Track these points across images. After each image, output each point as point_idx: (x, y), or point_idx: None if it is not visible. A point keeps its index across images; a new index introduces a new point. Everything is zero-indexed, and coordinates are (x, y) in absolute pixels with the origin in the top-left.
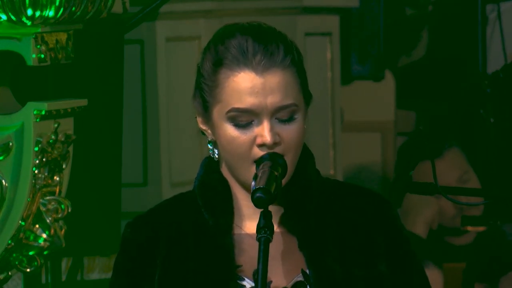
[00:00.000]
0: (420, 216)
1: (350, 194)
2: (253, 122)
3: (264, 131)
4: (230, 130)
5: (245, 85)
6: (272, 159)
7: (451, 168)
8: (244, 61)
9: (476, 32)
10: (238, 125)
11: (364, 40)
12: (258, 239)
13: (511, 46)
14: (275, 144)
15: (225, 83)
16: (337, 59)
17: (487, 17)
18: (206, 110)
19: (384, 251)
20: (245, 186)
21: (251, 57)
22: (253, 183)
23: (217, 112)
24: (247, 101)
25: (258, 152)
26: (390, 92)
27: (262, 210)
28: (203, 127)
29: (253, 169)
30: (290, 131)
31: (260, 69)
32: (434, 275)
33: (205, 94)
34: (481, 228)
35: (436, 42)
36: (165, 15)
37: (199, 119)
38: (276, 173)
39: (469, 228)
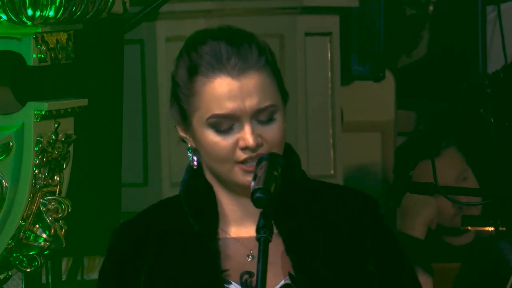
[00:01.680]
0: (419, 216)
1: (337, 194)
2: (233, 126)
3: (246, 135)
4: (211, 136)
5: (222, 90)
6: (271, 159)
7: (449, 167)
8: (218, 67)
9: (476, 32)
10: (219, 131)
11: (364, 40)
12: (258, 239)
13: (511, 46)
14: (258, 146)
15: (202, 90)
16: (337, 59)
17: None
18: (185, 118)
19: (372, 251)
20: (229, 188)
21: (225, 61)
22: (252, 183)
23: (197, 120)
24: (226, 106)
25: (241, 155)
26: (390, 92)
27: (261, 211)
28: (183, 135)
29: (236, 169)
30: (271, 131)
31: (235, 73)
32: (423, 279)
33: (182, 103)
34: (481, 228)
35: (436, 42)
36: (165, 15)
37: (178, 128)
38: (275, 173)
39: (469, 228)
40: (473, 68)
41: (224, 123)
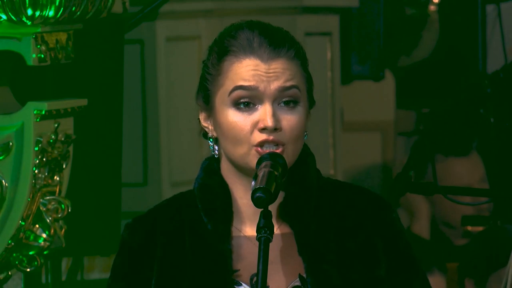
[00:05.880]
0: (420, 212)
1: (351, 195)
2: (255, 107)
3: (265, 115)
4: (232, 115)
5: (249, 68)
6: (272, 159)
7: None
8: (250, 50)
9: (476, 32)
10: (240, 109)
11: (364, 40)
12: (258, 239)
13: (511, 46)
14: (275, 129)
15: (229, 69)
16: (337, 59)
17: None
18: (208, 101)
19: (384, 255)
20: (245, 171)
21: (257, 46)
22: (253, 183)
23: (220, 98)
24: (251, 80)
25: (258, 137)
26: (390, 92)
27: (262, 210)
28: (204, 124)
29: (252, 152)
30: (290, 119)
31: (265, 57)
32: (436, 279)
33: (207, 83)
34: (481, 228)
35: (436, 42)
36: (165, 15)
37: (201, 116)
38: (276, 173)
39: (469, 228)
40: (473, 68)
41: (246, 99)
